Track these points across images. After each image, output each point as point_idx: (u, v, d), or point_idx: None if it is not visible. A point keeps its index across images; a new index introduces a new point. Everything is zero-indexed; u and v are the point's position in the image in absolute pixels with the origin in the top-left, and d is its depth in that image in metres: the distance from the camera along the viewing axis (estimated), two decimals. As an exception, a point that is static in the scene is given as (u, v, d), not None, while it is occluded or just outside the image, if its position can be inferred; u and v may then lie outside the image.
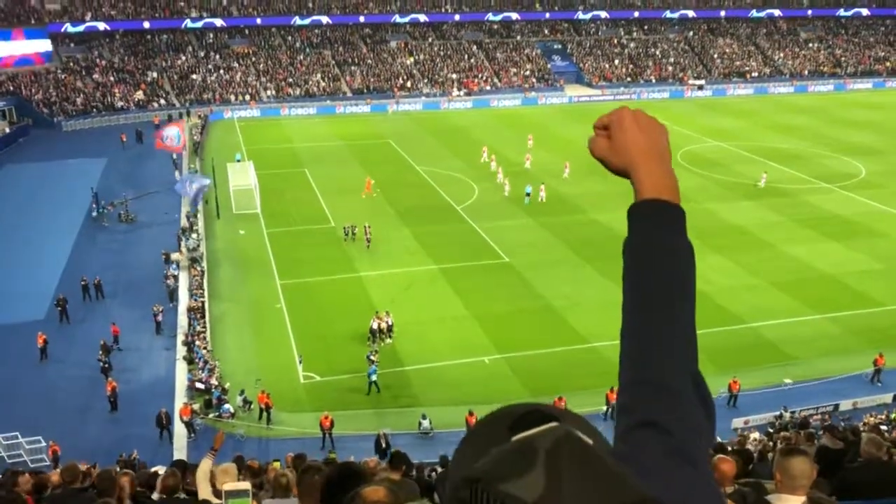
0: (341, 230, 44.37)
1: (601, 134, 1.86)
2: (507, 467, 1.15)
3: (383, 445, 25.12)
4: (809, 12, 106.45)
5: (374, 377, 29.96)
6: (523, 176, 54.54)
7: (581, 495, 1.11)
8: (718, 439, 20.99)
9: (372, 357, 30.80)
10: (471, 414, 27.28)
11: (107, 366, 30.76)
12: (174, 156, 57.86)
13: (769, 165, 59.31)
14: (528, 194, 50.27)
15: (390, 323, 33.75)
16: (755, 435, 23.64)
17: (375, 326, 33.17)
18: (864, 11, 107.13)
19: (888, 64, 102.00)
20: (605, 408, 28.84)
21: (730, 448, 15.44)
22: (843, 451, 10.39)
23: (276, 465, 15.38)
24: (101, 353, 31.08)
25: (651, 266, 1.70)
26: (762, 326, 34.22)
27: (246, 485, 7.25)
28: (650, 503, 1.14)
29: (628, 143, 1.80)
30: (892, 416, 27.02)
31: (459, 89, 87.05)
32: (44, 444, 26.06)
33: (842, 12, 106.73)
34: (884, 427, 22.99)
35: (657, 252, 1.71)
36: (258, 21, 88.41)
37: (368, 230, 42.93)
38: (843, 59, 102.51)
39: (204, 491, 8.49)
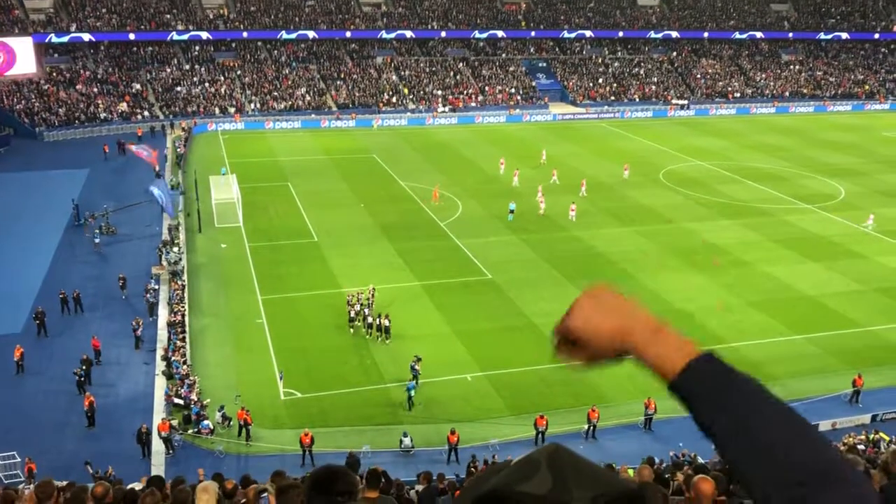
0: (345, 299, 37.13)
1: (568, 348, 1.71)
2: (517, 476, 1.37)
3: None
4: (791, 35, 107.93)
5: (412, 392, 29.65)
6: (554, 192, 54.97)
7: (581, 485, 1.34)
8: (699, 459, 21.04)
9: (416, 366, 30.56)
10: (452, 433, 27.22)
11: (83, 379, 30.37)
12: (156, 168, 57.61)
13: (749, 185, 59.89)
14: (511, 211, 50.39)
15: (369, 297, 35.75)
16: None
17: (353, 313, 35.30)
18: (844, 35, 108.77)
19: (867, 87, 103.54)
20: (585, 426, 28.90)
21: (710, 468, 15.47)
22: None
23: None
24: (79, 366, 30.68)
25: (744, 407, 1.54)
26: (742, 346, 34.40)
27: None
28: (637, 493, 1.37)
29: (603, 332, 1.66)
30: (871, 436, 27.21)
31: (444, 105, 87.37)
32: (18, 459, 25.66)
33: (822, 35, 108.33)
34: (861, 447, 23.16)
35: (735, 399, 1.55)
36: (244, 35, 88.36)
37: (372, 293, 37.09)
38: (823, 81, 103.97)
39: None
